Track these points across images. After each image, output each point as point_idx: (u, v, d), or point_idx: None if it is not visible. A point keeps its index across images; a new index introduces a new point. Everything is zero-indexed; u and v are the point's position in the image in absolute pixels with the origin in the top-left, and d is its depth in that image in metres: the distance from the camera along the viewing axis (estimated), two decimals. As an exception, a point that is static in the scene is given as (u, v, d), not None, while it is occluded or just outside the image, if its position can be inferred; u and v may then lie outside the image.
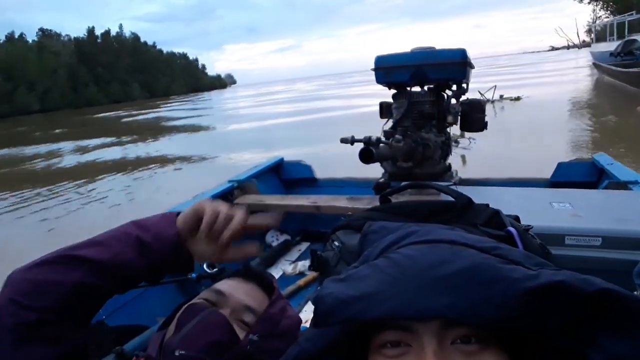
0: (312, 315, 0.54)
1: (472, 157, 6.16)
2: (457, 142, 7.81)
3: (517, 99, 11.96)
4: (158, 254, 0.72)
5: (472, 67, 1.87)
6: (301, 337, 0.55)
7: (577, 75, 19.34)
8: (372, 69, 1.92)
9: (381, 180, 2.00)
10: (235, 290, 0.75)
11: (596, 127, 7.78)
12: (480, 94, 11.25)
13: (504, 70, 31.39)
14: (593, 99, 12.12)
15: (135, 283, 0.75)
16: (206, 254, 0.77)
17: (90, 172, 8.40)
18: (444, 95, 1.93)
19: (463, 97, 1.95)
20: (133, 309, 1.49)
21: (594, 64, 18.64)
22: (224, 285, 0.76)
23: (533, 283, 0.43)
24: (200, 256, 0.77)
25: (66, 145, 13.34)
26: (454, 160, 2.27)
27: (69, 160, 10.49)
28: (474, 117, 1.93)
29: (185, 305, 0.73)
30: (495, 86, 11.82)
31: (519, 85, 14.62)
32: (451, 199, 0.85)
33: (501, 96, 12.00)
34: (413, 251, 0.52)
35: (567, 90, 13.85)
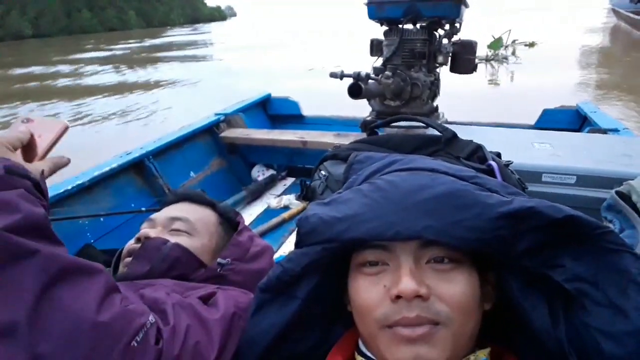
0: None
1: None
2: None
3: (532, 44, 11.31)
4: None
5: (467, 6, 1.81)
6: (283, 259, 0.57)
7: (593, 22, 18.51)
8: (364, 4, 1.87)
9: (368, 118, 2.02)
10: (162, 212, 0.87)
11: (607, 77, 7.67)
12: (494, 37, 10.80)
13: (518, 14, 29.99)
14: (607, 48, 11.73)
15: None
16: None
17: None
18: (436, 35, 1.89)
19: (455, 38, 1.91)
20: (122, 234, 1.53)
21: (612, 9, 17.75)
22: (154, 214, 0.88)
23: (506, 208, 0.46)
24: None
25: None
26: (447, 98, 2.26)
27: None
28: (463, 58, 1.90)
29: (136, 245, 0.82)
30: (510, 30, 11.28)
31: (533, 31, 14.00)
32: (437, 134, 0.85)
33: (514, 41, 11.46)
34: (395, 177, 0.53)
35: (583, 37, 13.31)
